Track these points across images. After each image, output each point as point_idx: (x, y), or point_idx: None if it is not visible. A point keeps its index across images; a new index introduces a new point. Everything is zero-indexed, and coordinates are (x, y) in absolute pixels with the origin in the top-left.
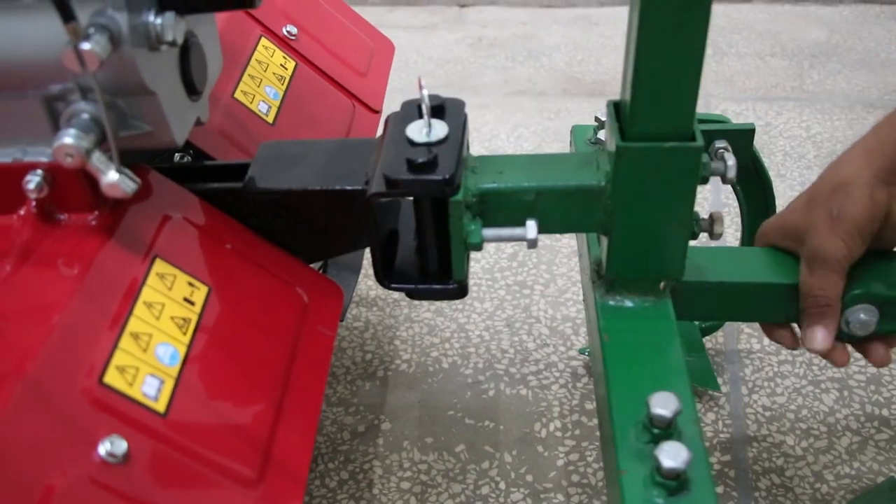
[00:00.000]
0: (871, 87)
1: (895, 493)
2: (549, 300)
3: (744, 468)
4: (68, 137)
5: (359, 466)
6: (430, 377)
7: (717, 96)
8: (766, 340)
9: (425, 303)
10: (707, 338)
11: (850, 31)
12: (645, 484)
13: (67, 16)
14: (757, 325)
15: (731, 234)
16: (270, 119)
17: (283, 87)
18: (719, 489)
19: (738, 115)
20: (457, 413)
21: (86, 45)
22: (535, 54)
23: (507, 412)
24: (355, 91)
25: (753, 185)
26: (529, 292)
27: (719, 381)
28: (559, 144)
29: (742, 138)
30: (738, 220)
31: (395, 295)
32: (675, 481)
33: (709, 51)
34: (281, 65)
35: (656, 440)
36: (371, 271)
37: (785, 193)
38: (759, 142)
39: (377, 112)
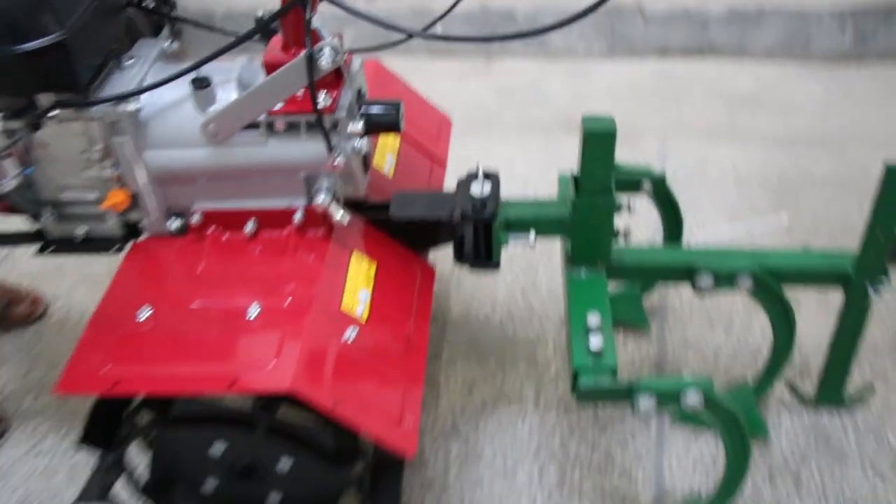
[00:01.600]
0: (783, 129)
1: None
2: (547, 276)
3: (661, 360)
4: (321, 197)
5: (431, 375)
6: (473, 320)
7: (673, 135)
8: (685, 300)
9: (470, 275)
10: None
11: (775, 85)
12: (583, 352)
13: (330, 147)
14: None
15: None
16: (390, 175)
17: (396, 156)
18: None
19: (685, 149)
20: (489, 342)
21: (339, 160)
22: (542, 98)
23: (520, 342)
24: (432, 153)
25: (668, 207)
26: (534, 272)
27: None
28: (559, 167)
29: (659, 181)
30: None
31: (455, 270)
32: (597, 353)
33: (669, 98)
34: (392, 142)
35: (588, 333)
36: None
37: (710, 206)
38: (692, 169)
39: (444, 167)
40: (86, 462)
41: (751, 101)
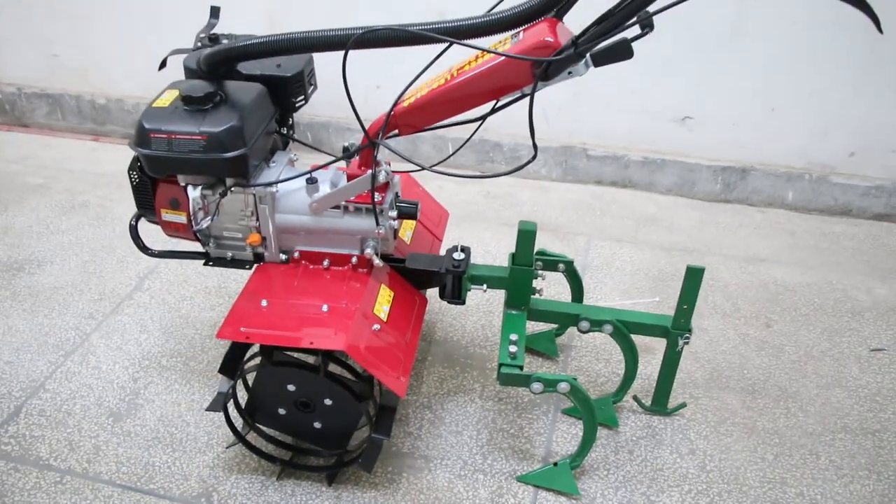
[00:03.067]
0: (668, 241)
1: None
2: (499, 319)
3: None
4: (368, 250)
5: (418, 372)
6: (448, 341)
7: (596, 237)
8: (583, 341)
9: (450, 314)
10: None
11: (670, 211)
12: (505, 355)
13: (377, 223)
14: (578, 334)
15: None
16: (408, 243)
17: (413, 232)
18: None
19: (602, 247)
20: (457, 355)
21: (381, 231)
22: (514, 203)
23: (476, 356)
24: (434, 232)
25: (574, 280)
26: (491, 315)
27: (560, 353)
28: None
29: (569, 263)
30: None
31: (441, 305)
32: (513, 355)
33: (595, 212)
34: (411, 224)
35: (510, 344)
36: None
37: (612, 286)
38: (605, 260)
39: (441, 241)
40: (200, 399)
41: (651, 221)
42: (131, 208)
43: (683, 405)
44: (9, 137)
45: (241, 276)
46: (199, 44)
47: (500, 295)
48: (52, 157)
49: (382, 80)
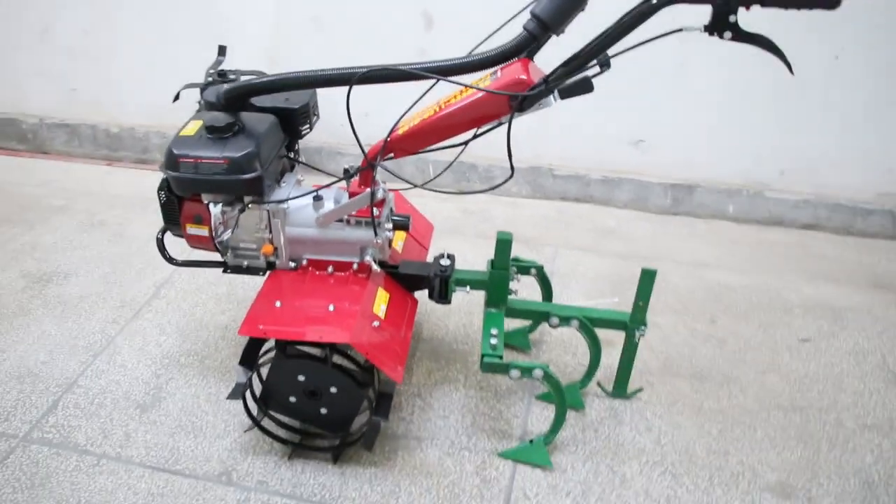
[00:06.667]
0: (625, 250)
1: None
2: (478, 320)
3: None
4: (367, 258)
5: (408, 365)
6: (434, 338)
7: (563, 246)
8: (553, 336)
9: (436, 315)
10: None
11: (627, 223)
12: (487, 346)
13: (376, 233)
14: (555, 332)
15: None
16: (400, 251)
17: (404, 242)
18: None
19: (568, 256)
20: (443, 350)
21: (379, 241)
22: (489, 218)
23: (459, 352)
24: (421, 243)
25: (544, 283)
26: (471, 316)
27: (532, 347)
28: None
29: (540, 269)
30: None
31: (428, 307)
32: (494, 346)
33: (561, 225)
34: (402, 236)
35: (491, 337)
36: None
37: (577, 290)
38: (571, 267)
39: (427, 250)
40: (216, 392)
41: (610, 233)
42: (145, 227)
43: (640, 390)
44: (32, 164)
45: (247, 285)
46: (210, 79)
47: (478, 298)
48: (70, 181)
49: (371, 108)
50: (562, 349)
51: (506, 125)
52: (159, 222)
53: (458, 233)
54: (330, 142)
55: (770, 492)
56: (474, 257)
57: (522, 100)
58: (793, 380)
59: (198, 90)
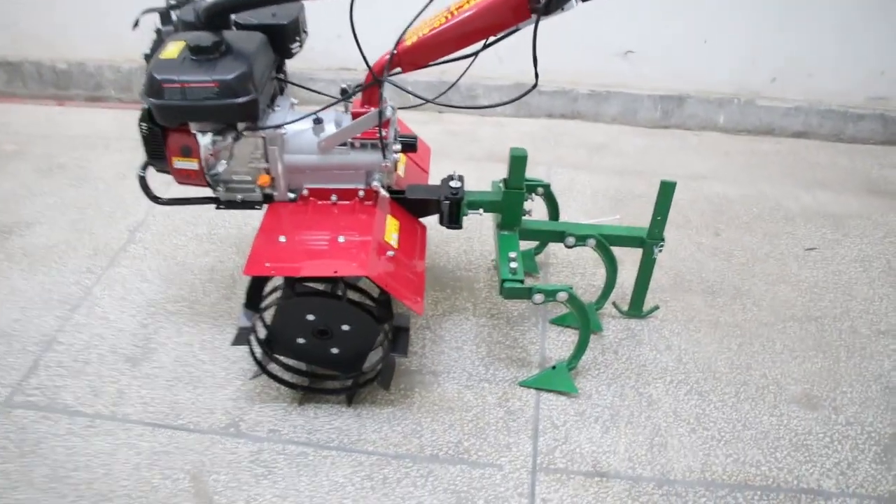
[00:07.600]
0: (618, 165)
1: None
2: (479, 245)
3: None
4: (374, 183)
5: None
6: (437, 267)
7: (555, 165)
8: (559, 258)
9: (436, 242)
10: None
11: (615, 139)
12: (506, 271)
13: (384, 156)
14: (559, 253)
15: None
16: (403, 176)
17: (405, 167)
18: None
19: (561, 174)
20: (446, 279)
21: (388, 163)
22: (475, 139)
23: (464, 279)
24: (421, 166)
25: (551, 202)
26: (471, 242)
27: (539, 270)
28: (485, 180)
29: (547, 187)
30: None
31: (443, 232)
32: (513, 270)
33: (550, 142)
34: (404, 159)
35: (510, 261)
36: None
37: (576, 208)
38: (566, 186)
39: (427, 173)
40: (211, 339)
41: (601, 148)
42: (109, 167)
43: (657, 308)
44: None
45: (229, 223)
46: (173, 1)
47: (477, 222)
48: (19, 124)
49: (343, 30)
50: (569, 271)
51: (531, 31)
52: (124, 162)
53: (446, 155)
54: (301, 67)
55: (796, 404)
56: (467, 180)
57: (549, 2)
58: (803, 289)
59: (157, 15)
